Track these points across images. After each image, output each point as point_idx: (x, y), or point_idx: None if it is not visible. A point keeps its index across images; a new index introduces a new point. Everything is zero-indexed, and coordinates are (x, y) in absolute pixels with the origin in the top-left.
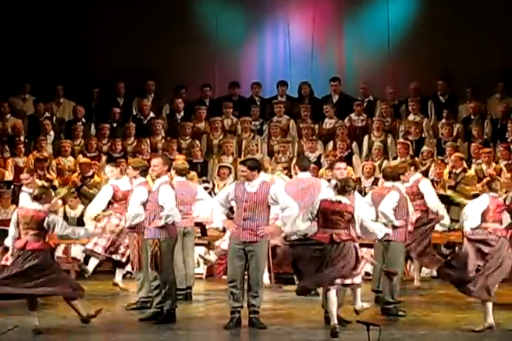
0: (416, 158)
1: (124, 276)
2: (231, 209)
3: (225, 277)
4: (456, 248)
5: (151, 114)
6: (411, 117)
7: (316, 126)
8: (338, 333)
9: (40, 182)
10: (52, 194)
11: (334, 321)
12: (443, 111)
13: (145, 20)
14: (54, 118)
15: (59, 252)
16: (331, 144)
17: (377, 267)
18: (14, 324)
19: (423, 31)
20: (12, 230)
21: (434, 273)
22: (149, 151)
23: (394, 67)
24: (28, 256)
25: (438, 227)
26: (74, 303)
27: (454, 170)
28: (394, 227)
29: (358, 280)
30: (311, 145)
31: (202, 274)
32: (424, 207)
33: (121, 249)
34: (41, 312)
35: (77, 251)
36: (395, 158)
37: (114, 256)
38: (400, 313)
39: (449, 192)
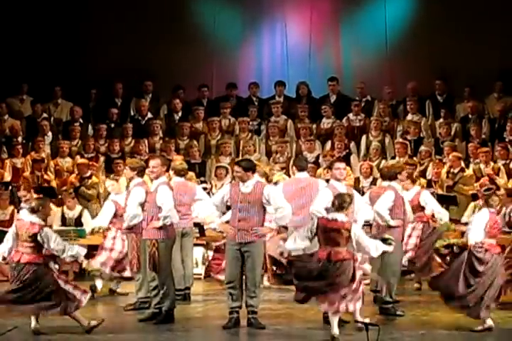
0: (414, 158)
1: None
2: (228, 208)
3: (222, 277)
4: (455, 248)
5: (149, 115)
6: (409, 117)
7: (314, 126)
8: None
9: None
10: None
11: (334, 330)
12: (441, 110)
13: (143, 21)
14: (52, 119)
15: None
16: (329, 144)
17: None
18: (13, 325)
19: (420, 31)
20: (7, 241)
21: (433, 274)
22: (147, 152)
23: (391, 67)
24: (22, 269)
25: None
26: (74, 315)
27: (451, 170)
28: (390, 227)
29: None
30: (310, 145)
31: (200, 275)
32: (425, 218)
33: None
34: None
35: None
36: (393, 158)
37: (124, 274)
38: (399, 313)
39: None
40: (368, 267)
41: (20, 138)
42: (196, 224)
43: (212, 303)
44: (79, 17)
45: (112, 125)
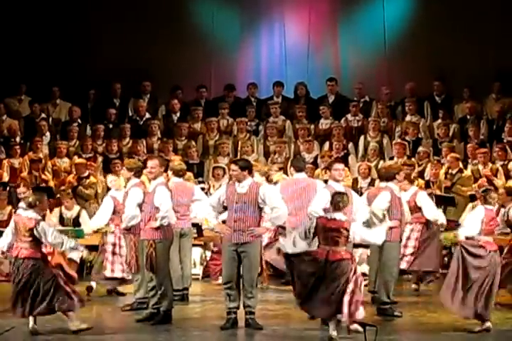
0: (412, 159)
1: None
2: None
3: (221, 278)
4: (453, 248)
5: (147, 115)
6: (408, 118)
7: (312, 127)
8: None
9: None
10: None
11: (332, 331)
12: (439, 111)
13: (141, 21)
14: (50, 119)
15: None
16: (327, 145)
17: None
18: (11, 325)
19: (419, 31)
20: (6, 235)
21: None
22: (145, 152)
23: (390, 68)
24: (21, 264)
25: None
26: (69, 314)
27: (450, 171)
28: (388, 227)
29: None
30: (308, 145)
31: (198, 275)
32: (423, 219)
33: None
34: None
35: (73, 253)
36: (391, 159)
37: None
38: (397, 314)
39: None
40: (366, 268)
41: (18, 138)
42: (194, 225)
43: (210, 304)
44: (77, 17)
45: (110, 125)
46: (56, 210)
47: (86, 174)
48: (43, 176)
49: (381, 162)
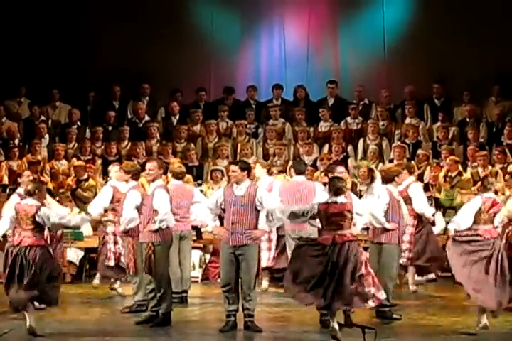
0: (412, 162)
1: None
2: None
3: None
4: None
5: (147, 118)
6: (407, 120)
7: (312, 130)
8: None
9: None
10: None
11: (334, 323)
12: (438, 114)
13: (140, 22)
14: (50, 121)
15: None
16: (326, 147)
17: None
18: (10, 327)
19: (418, 34)
20: (3, 222)
21: (430, 277)
22: (144, 155)
23: (389, 70)
24: (23, 252)
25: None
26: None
27: (449, 174)
28: (386, 230)
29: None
30: (307, 148)
31: (198, 277)
32: (416, 212)
33: None
34: (36, 315)
35: (72, 255)
36: (390, 161)
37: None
38: (396, 316)
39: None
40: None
41: (17, 141)
42: (193, 227)
43: (210, 306)
44: (76, 20)
45: (110, 128)
46: None
47: (85, 176)
48: (42, 178)
49: (380, 165)
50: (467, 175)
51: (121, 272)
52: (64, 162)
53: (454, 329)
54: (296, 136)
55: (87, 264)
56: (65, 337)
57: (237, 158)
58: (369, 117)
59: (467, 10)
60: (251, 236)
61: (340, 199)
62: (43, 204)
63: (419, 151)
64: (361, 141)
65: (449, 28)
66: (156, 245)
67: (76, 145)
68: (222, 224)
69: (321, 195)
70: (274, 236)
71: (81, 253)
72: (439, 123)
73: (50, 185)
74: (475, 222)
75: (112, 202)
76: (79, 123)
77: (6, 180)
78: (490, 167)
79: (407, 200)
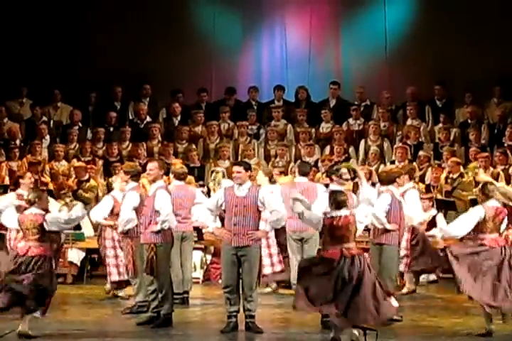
0: (414, 163)
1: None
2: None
3: (221, 281)
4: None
5: (148, 118)
6: (409, 122)
7: (313, 131)
8: None
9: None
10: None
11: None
12: (440, 115)
13: (141, 22)
14: (51, 122)
15: None
16: (328, 148)
17: None
18: (11, 328)
19: (420, 35)
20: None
21: (431, 278)
22: (145, 155)
23: (391, 71)
24: (29, 262)
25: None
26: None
27: (450, 175)
28: (387, 231)
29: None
30: (309, 149)
31: (199, 278)
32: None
33: None
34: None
35: (74, 255)
36: (392, 163)
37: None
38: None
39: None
40: None
41: (18, 141)
42: (195, 228)
43: (211, 307)
44: (78, 20)
45: (111, 128)
46: None
47: (86, 177)
48: (43, 179)
49: (382, 166)
50: (469, 177)
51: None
52: (64, 163)
53: (455, 330)
54: (297, 137)
55: (88, 265)
56: (66, 338)
57: (239, 159)
58: (371, 118)
59: (469, 11)
60: (253, 237)
61: (343, 212)
62: (47, 212)
63: (421, 153)
64: (362, 142)
65: (450, 29)
66: (158, 246)
67: (77, 146)
68: (223, 225)
69: (323, 196)
70: (272, 242)
71: (82, 254)
72: (440, 125)
73: (51, 186)
74: (481, 231)
75: (112, 213)
76: (80, 124)
77: (7, 181)
78: (491, 168)
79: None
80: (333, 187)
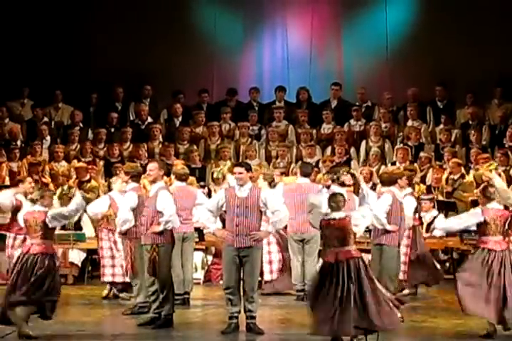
0: (415, 164)
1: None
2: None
3: (222, 282)
4: (454, 253)
5: (149, 119)
6: (409, 123)
7: (314, 131)
8: None
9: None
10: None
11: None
12: (441, 116)
13: (142, 23)
14: (53, 123)
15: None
16: (329, 149)
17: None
18: (12, 328)
19: (421, 36)
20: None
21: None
22: (146, 156)
23: (392, 72)
24: (31, 260)
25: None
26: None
27: (451, 176)
28: (387, 231)
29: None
30: (310, 150)
31: (200, 279)
32: (416, 222)
33: None
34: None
35: (75, 256)
36: (393, 164)
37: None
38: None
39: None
40: None
41: (19, 142)
42: (196, 229)
43: (211, 308)
44: (78, 21)
45: (112, 129)
46: None
47: (87, 178)
48: (43, 179)
49: (383, 167)
50: (469, 178)
51: (118, 287)
52: (63, 163)
53: (457, 331)
54: (298, 137)
55: (89, 266)
56: (67, 339)
57: (240, 160)
58: (372, 119)
59: (470, 12)
60: (256, 238)
61: (338, 215)
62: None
63: (422, 154)
64: (363, 143)
65: (451, 30)
66: (160, 246)
67: (78, 146)
68: (223, 226)
69: (324, 197)
70: (274, 249)
71: (83, 255)
72: (441, 126)
73: (51, 187)
74: (483, 234)
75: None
76: (81, 124)
77: (7, 181)
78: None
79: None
80: (335, 188)
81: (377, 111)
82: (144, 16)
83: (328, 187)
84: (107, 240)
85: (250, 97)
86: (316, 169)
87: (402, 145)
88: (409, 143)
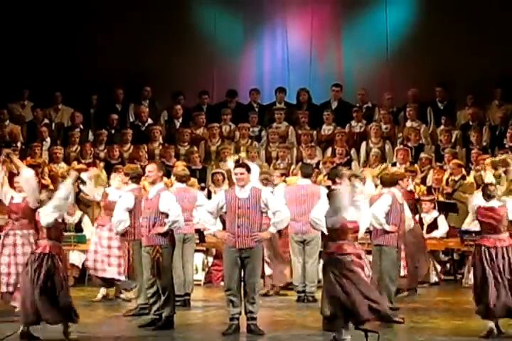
0: (415, 165)
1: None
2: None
3: (222, 283)
4: (455, 254)
5: (149, 121)
6: (408, 124)
7: (315, 133)
8: None
9: None
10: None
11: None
12: (441, 117)
13: (143, 24)
14: (53, 124)
15: None
16: (329, 151)
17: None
18: (13, 329)
19: (421, 36)
20: None
21: (432, 280)
22: (147, 158)
23: (392, 73)
24: (41, 259)
25: (436, 234)
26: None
27: (452, 177)
28: (386, 232)
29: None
30: (310, 151)
31: (200, 281)
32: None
33: None
34: None
35: (75, 258)
36: (393, 165)
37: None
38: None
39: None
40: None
41: (19, 143)
42: (196, 230)
43: (212, 310)
44: (79, 22)
45: (112, 131)
46: None
47: None
48: (43, 181)
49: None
50: (470, 179)
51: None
52: (63, 165)
53: (457, 332)
54: (299, 139)
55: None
56: None
57: (240, 161)
58: (372, 120)
59: (470, 12)
60: (257, 239)
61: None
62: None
63: (422, 155)
64: (364, 144)
65: (452, 30)
66: (164, 248)
67: (78, 148)
68: (224, 227)
69: (325, 198)
70: None
71: (84, 257)
72: (442, 127)
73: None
74: (488, 232)
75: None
76: (81, 126)
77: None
78: (493, 170)
79: None
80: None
81: (378, 112)
82: (144, 17)
83: (328, 187)
84: (95, 234)
85: (250, 98)
86: (316, 170)
87: (402, 146)
88: (409, 144)
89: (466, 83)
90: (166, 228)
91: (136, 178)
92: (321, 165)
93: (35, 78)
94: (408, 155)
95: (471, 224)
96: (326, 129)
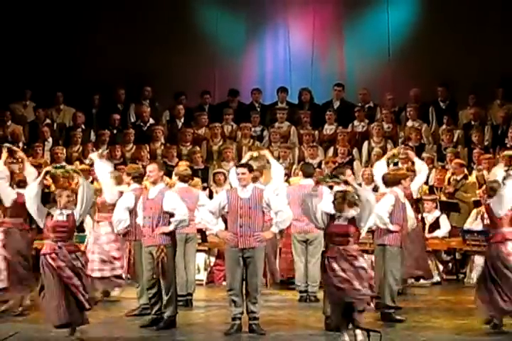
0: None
1: None
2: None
3: (224, 283)
4: (457, 254)
5: (151, 121)
6: (409, 123)
7: (317, 133)
8: None
9: None
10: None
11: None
12: (443, 117)
13: (144, 25)
14: (55, 124)
15: None
16: (331, 150)
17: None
18: (14, 330)
19: (423, 36)
20: None
21: (434, 280)
22: (149, 158)
23: (394, 73)
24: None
25: (438, 233)
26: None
27: (454, 177)
28: (389, 232)
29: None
30: (312, 151)
31: (202, 280)
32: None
33: None
34: (40, 318)
35: None
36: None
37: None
38: (401, 319)
39: None
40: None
41: (21, 144)
42: (198, 230)
43: (214, 309)
44: (80, 22)
45: (114, 131)
46: None
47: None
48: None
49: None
50: (472, 179)
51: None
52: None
53: (459, 332)
54: (301, 138)
55: None
56: None
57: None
58: (374, 120)
59: (471, 12)
60: (260, 238)
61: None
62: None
63: (424, 154)
64: (366, 143)
65: (453, 30)
66: (168, 247)
67: (80, 148)
68: (226, 227)
69: (328, 198)
70: None
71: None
72: (444, 126)
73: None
74: (495, 227)
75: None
76: (83, 126)
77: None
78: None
79: None
80: (338, 189)
81: (380, 112)
82: (145, 17)
83: (331, 187)
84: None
85: (252, 98)
86: (318, 170)
87: (403, 146)
88: (410, 144)
89: (467, 83)
90: (172, 227)
91: (138, 178)
92: (323, 165)
93: (37, 78)
94: None
95: (473, 224)
96: (328, 129)
